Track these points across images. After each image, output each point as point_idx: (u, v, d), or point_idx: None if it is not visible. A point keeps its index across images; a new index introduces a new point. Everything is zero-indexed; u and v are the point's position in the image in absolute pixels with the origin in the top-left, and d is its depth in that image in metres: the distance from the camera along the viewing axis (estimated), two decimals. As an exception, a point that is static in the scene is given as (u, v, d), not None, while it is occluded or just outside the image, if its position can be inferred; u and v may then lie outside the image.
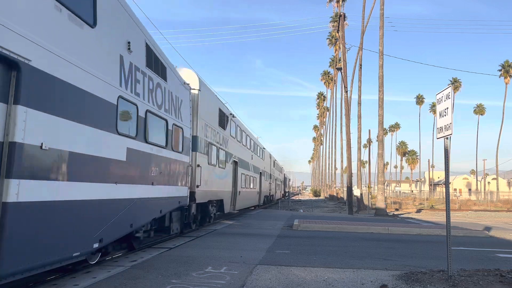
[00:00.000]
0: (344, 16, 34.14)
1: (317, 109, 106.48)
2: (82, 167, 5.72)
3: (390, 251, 10.13)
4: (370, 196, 33.76)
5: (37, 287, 5.94)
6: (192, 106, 11.79)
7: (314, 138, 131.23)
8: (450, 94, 7.00)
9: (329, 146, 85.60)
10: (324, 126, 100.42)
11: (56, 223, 5.21)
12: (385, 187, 35.05)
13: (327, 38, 69.76)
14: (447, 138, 7.00)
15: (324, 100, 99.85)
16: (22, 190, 4.56)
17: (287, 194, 64.72)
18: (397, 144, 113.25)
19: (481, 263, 8.68)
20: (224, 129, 16.54)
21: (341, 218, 21.91)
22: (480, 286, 6.29)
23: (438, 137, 7.30)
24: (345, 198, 36.95)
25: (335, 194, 62.64)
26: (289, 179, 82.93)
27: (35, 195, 4.78)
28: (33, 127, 4.74)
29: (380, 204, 26.55)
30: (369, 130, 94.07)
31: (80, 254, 5.81)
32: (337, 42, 57.54)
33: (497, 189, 64.96)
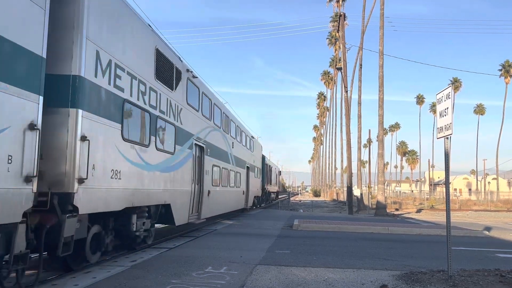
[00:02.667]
0: (344, 16, 34.16)
1: (317, 109, 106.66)
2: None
3: (390, 251, 10.12)
4: (370, 196, 33.76)
5: (37, 287, 5.93)
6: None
7: (314, 138, 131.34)
8: (450, 94, 7.00)
9: (329, 146, 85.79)
10: (324, 126, 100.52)
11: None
12: (385, 187, 35.02)
13: (327, 38, 69.87)
14: (447, 138, 7.00)
15: (324, 100, 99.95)
16: None
17: (274, 196, 42.56)
18: (397, 144, 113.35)
19: (481, 263, 8.67)
20: None
21: (341, 218, 21.90)
22: (480, 286, 6.29)
23: (438, 137, 7.29)
24: (345, 198, 36.94)
25: (335, 195, 62.34)
26: (279, 171, 51.05)
27: None
28: None
29: (380, 204, 26.55)
30: (369, 130, 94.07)
31: None
32: (337, 42, 57.58)
33: (497, 189, 64.95)
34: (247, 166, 22.33)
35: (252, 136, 25.09)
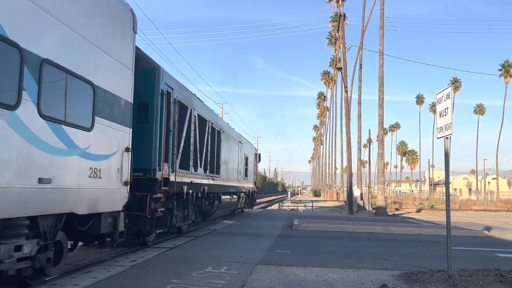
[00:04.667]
0: (344, 16, 34.12)
1: (317, 109, 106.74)
2: None
3: (390, 251, 10.13)
4: (370, 196, 33.77)
5: (37, 287, 5.93)
6: None
7: (314, 138, 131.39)
8: (450, 94, 7.00)
9: (329, 146, 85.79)
10: (324, 126, 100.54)
11: None
12: (385, 187, 35.02)
13: (327, 38, 69.93)
14: (447, 138, 7.00)
15: (324, 100, 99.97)
16: None
17: (238, 201, 19.64)
18: (397, 144, 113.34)
19: (481, 263, 8.67)
20: None
21: (341, 218, 21.90)
22: (480, 286, 6.29)
23: (438, 137, 7.29)
24: (345, 198, 36.91)
25: (335, 195, 62.20)
26: (257, 154, 26.97)
27: None
28: None
29: (380, 203, 26.55)
30: (369, 130, 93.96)
31: None
32: (337, 42, 57.55)
33: (497, 189, 64.95)
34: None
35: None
